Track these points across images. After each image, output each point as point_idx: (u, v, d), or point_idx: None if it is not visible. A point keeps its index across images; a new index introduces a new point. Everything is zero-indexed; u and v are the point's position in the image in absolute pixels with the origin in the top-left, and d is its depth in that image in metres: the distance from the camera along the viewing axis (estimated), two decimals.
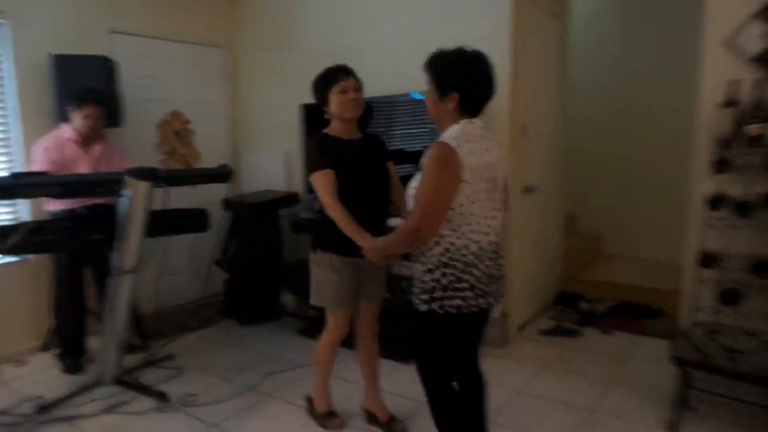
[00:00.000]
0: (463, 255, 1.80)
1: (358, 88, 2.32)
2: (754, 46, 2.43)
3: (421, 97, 3.28)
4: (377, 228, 2.21)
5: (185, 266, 4.47)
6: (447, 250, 1.80)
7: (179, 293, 4.40)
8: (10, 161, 3.48)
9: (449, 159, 1.73)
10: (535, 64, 3.54)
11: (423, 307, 1.84)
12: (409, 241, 1.83)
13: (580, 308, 3.97)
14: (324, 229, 2.26)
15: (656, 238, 4.72)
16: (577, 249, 4.73)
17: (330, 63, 3.95)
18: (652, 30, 4.81)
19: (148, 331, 3.69)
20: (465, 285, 1.79)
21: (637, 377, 2.94)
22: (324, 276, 2.32)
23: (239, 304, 4.04)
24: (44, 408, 2.73)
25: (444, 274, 1.80)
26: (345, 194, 2.20)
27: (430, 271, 1.83)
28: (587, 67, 4.97)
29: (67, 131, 3.13)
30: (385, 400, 2.58)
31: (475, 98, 1.82)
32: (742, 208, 2.36)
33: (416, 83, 3.19)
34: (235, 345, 3.61)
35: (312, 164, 2.25)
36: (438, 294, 1.81)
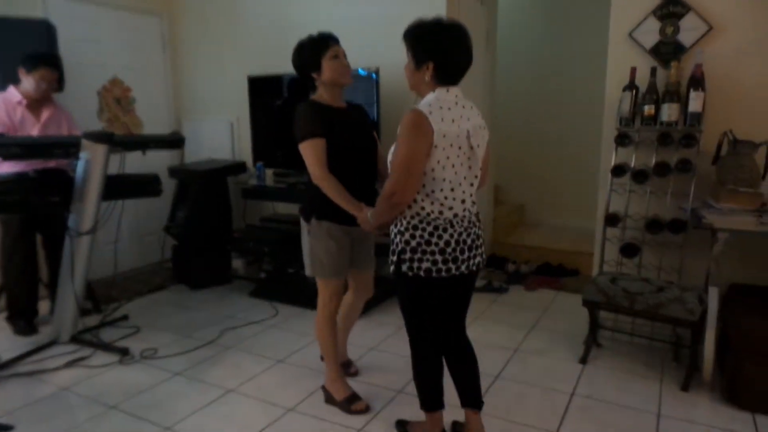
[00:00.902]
0: (434, 219, 1.85)
1: (345, 55, 2.32)
2: (650, 40, 2.87)
3: (365, 74, 3.53)
4: (368, 196, 2.21)
5: (131, 234, 4.50)
6: (417, 213, 1.86)
7: (125, 260, 4.44)
8: None
9: (419, 124, 1.77)
10: None
11: (392, 268, 1.93)
12: (387, 206, 1.87)
13: (507, 269, 4.43)
14: (319, 197, 2.23)
15: (573, 206, 5.28)
16: (504, 216, 5.20)
17: (276, 38, 4.16)
18: (569, 20, 5.32)
19: (99, 296, 3.75)
20: (434, 248, 1.84)
21: (555, 323, 3.41)
22: (321, 245, 2.28)
23: (189, 269, 4.16)
24: (3, 365, 2.79)
25: (413, 236, 1.85)
26: (336, 163, 2.19)
27: (400, 232, 1.89)
28: (511, 52, 5.41)
29: (15, 94, 3.12)
30: (344, 346, 2.73)
31: (449, 67, 1.84)
32: (640, 176, 2.81)
33: (362, 61, 3.46)
34: (188, 307, 3.76)
35: (302, 132, 2.19)
36: (407, 255, 1.86)
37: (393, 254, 1.92)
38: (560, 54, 5.34)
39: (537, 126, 5.54)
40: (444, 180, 1.83)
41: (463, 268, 1.89)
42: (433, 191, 1.84)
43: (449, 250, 1.85)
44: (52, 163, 3.17)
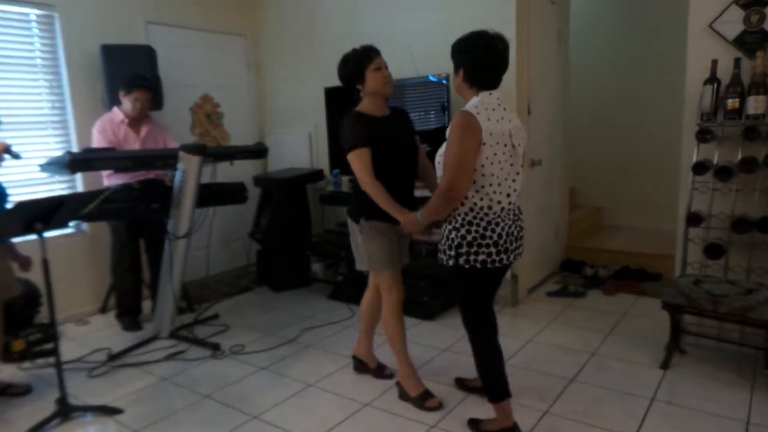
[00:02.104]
0: (486, 214, 2.01)
1: (387, 66, 2.45)
2: (733, 30, 2.74)
3: (435, 80, 3.61)
4: (407, 200, 2.38)
5: (221, 239, 4.84)
6: (471, 209, 2.02)
7: (215, 264, 4.78)
8: (65, 141, 3.85)
9: (470, 124, 1.94)
10: (537, 47, 3.85)
11: (450, 262, 2.06)
12: (444, 202, 2.01)
13: (584, 273, 4.32)
14: (366, 199, 2.36)
15: (654, 207, 5.06)
16: (580, 220, 5.08)
17: (350, 49, 4.32)
18: (645, 14, 5.12)
19: (192, 296, 4.09)
20: (489, 242, 2.00)
21: (635, 328, 3.30)
22: (375, 242, 2.42)
23: (272, 272, 4.42)
24: (114, 356, 3.13)
25: (469, 231, 2.01)
26: (380, 169, 2.32)
27: (456, 228, 2.03)
28: (586, 49, 5.29)
29: (118, 114, 3.49)
30: (373, 349, 2.83)
31: (477, 70, 2.02)
32: (723, 173, 2.68)
33: (431, 67, 3.55)
34: (272, 307, 4.00)
35: (349, 143, 2.33)
36: (464, 250, 2.01)
37: (450, 249, 2.05)
38: (636, 49, 5.17)
39: (614, 125, 5.38)
40: (492, 175, 1.99)
41: (512, 257, 2.10)
42: (482, 186, 2.00)
43: (501, 242, 2.03)
44: (151, 174, 3.52)
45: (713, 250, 2.77)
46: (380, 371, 2.79)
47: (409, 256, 2.71)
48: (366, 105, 2.45)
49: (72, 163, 2.69)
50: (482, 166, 1.98)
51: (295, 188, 4.38)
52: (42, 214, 2.31)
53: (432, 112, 3.72)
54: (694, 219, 2.82)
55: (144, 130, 3.58)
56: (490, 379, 2.17)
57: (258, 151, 3.54)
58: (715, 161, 2.79)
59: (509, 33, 3.49)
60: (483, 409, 2.35)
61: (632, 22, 5.21)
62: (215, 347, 3.21)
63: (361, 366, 2.84)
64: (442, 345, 3.17)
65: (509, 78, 3.52)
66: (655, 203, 5.06)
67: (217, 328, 3.57)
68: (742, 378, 2.62)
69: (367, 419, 2.42)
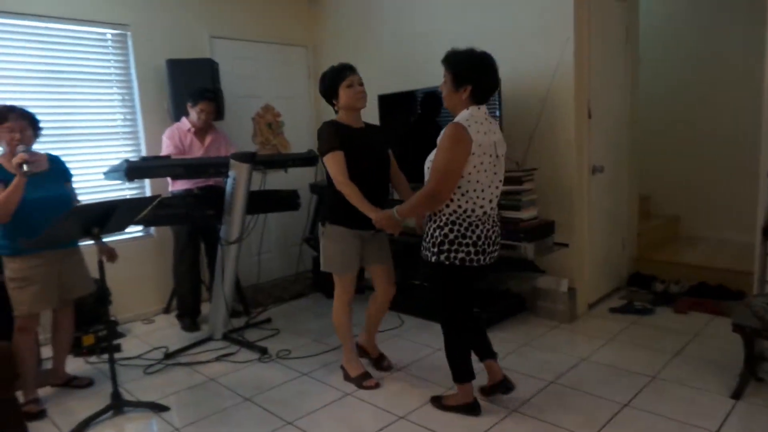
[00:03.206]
0: (468, 216, 2.21)
1: (362, 82, 2.65)
2: None
3: None
4: (381, 202, 2.59)
5: (277, 246, 4.97)
6: (455, 211, 2.22)
7: (273, 269, 4.91)
8: (135, 150, 4.10)
9: (461, 136, 2.13)
10: (601, 45, 3.63)
11: (432, 258, 2.27)
12: (427, 202, 2.23)
13: (653, 288, 4.01)
14: (333, 204, 2.61)
15: (737, 217, 4.61)
16: (653, 230, 4.73)
17: (403, 56, 4.33)
18: (722, 8, 4.71)
19: (248, 300, 4.21)
20: (468, 241, 2.21)
21: (707, 351, 3.00)
22: (333, 246, 2.65)
23: (326, 279, 4.45)
24: (169, 355, 3.28)
25: (451, 230, 2.22)
26: (353, 174, 2.52)
27: (440, 227, 2.24)
28: (659, 47, 4.94)
29: (186, 123, 3.69)
30: (376, 342, 3.04)
31: (484, 90, 2.21)
32: None
33: None
34: (322, 314, 4.03)
35: (325, 147, 2.56)
36: (445, 247, 2.22)
37: (434, 246, 2.26)
38: (713, 46, 4.76)
39: (690, 128, 4.97)
40: (477, 182, 2.20)
41: (487, 259, 2.29)
42: (467, 191, 2.20)
43: (480, 243, 2.23)
44: (211, 181, 3.67)
45: None
46: (380, 361, 2.98)
47: (390, 256, 2.87)
48: (341, 116, 2.68)
49: (129, 171, 2.85)
50: (469, 173, 2.17)
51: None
52: (97, 218, 2.46)
53: None
54: None
55: (208, 139, 3.74)
56: (456, 364, 2.41)
57: (309, 159, 3.58)
58: None
59: (567, 32, 3.35)
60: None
61: (708, 17, 4.81)
62: (263, 351, 3.27)
63: (362, 353, 3.01)
64: None
65: (566, 80, 3.38)
66: (737, 213, 4.61)
67: (268, 332, 3.65)
68: None
69: None
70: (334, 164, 2.54)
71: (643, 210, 4.86)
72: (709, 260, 4.26)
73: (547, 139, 3.53)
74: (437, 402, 2.53)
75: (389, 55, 4.48)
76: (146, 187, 4.12)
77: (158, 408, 2.63)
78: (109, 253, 2.76)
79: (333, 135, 2.56)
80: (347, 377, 2.84)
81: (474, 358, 2.47)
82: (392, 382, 2.83)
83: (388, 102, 4.18)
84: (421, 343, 3.32)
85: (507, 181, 3.26)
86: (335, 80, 2.62)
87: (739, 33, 4.46)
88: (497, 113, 3.47)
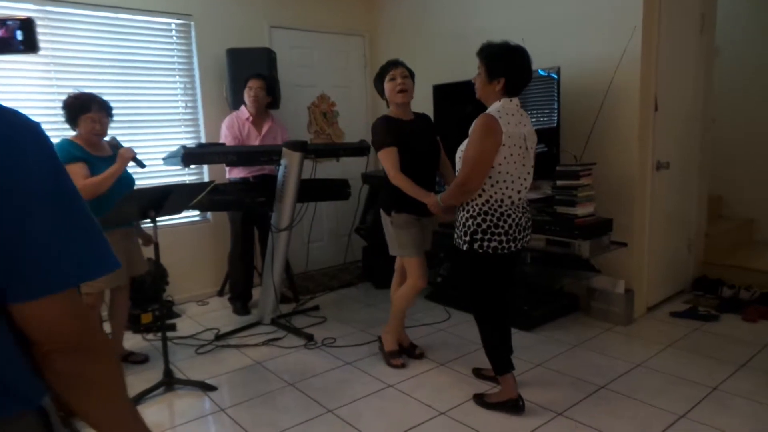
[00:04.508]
0: (500, 206, 2.26)
1: (407, 75, 2.70)
2: None
3: (545, 74, 3.37)
4: (430, 189, 2.67)
5: (329, 234, 5.02)
6: (487, 201, 2.26)
7: (324, 258, 4.96)
8: (195, 137, 4.24)
9: (492, 127, 2.16)
10: (672, 34, 3.41)
11: (465, 246, 2.31)
12: (459, 192, 2.28)
13: (721, 294, 3.76)
14: (395, 195, 2.68)
15: None
16: (723, 232, 4.43)
17: (459, 47, 4.24)
18: None
19: (298, 287, 4.28)
20: (500, 230, 2.25)
21: None
22: (404, 232, 2.73)
23: (375, 269, 4.47)
24: (220, 336, 3.39)
25: (484, 220, 2.26)
26: (406, 164, 2.62)
27: (472, 217, 2.28)
28: (737, 38, 4.58)
29: (244, 112, 3.76)
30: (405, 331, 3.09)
31: (516, 82, 2.23)
32: None
33: (545, 60, 3.32)
34: (370, 304, 4.04)
35: (379, 142, 2.66)
36: (478, 236, 2.27)
37: (465, 235, 2.30)
38: None
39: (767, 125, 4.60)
40: (507, 173, 2.23)
41: (519, 245, 2.32)
42: (497, 182, 2.23)
43: (511, 231, 2.27)
44: (266, 170, 3.74)
45: None
46: (412, 350, 3.04)
47: (431, 244, 3.00)
48: (392, 110, 2.78)
49: (185, 157, 2.94)
50: (499, 164, 2.21)
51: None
52: (153, 201, 2.55)
53: (544, 109, 3.48)
54: None
55: (265, 127, 3.81)
56: (494, 355, 2.41)
57: (361, 149, 3.58)
58: None
59: (635, 20, 3.16)
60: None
61: None
62: (309, 338, 3.32)
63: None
64: (538, 359, 2.95)
65: (632, 70, 3.20)
66: None
67: (315, 320, 3.69)
68: None
69: (438, 428, 2.33)
70: (387, 159, 2.64)
71: (713, 211, 4.56)
72: None
73: (609, 132, 3.36)
74: (480, 400, 2.50)
75: (446, 46, 4.40)
76: (205, 175, 4.26)
77: (207, 387, 2.72)
78: (145, 238, 2.90)
79: (385, 130, 2.66)
80: (381, 348, 3.02)
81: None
82: (436, 377, 2.80)
83: (442, 92, 4.11)
84: (465, 338, 3.27)
85: (563, 175, 3.16)
86: (382, 74, 2.74)
87: None
88: (555, 105, 3.35)
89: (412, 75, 2.77)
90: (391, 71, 2.71)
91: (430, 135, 2.84)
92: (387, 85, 2.71)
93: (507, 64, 2.21)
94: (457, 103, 4.06)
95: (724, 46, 4.42)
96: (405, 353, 3.02)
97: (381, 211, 2.84)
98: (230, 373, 2.93)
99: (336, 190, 3.70)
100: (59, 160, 0.73)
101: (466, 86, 3.94)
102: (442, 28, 4.42)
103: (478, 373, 2.77)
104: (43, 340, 0.71)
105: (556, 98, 3.28)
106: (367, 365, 2.96)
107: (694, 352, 2.97)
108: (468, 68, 3.97)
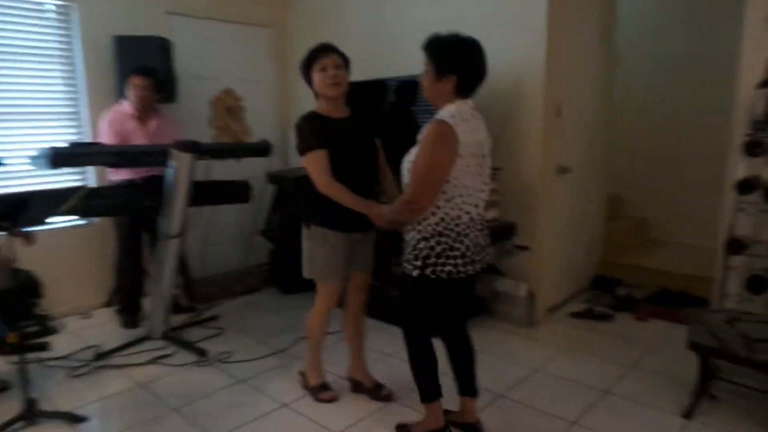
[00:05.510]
0: (456, 225, 1.96)
1: (341, 64, 2.28)
2: None
3: None
4: (369, 198, 2.28)
5: (232, 236, 4.74)
6: (442, 219, 1.95)
7: (227, 261, 4.69)
8: (78, 133, 3.83)
9: (447, 135, 1.86)
10: (575, 41, 3.46)
11: (415, 273, 1.99)
12: (407, 210, 1.96)
13: (616, 293, 3.90)
14: (318, 205, 2.29)
15: (704, 224, 4.50)
16: (621, 233, 4.62)
17: (375, 43, 4.10)
18: (697, 8, 4.59)
19: (197, 294, 4.00)
20: (457, 253, 1.95)
21: (663, 364, 2.89)
22: (318, 250, 2.35)
23: (282, 273, 4.27)
24: (100, 355, 3.07)
25: (438, 242, 1.94)
26: (337, 170, 2.22)
27: (425, 239, 1.96)
28: (636, 47, 4.80)
29: (126, 107, 3.40)
30: (368, 368, 2.67)
31: (470, 80, 1.94)
32: None
33: None
34: (275, 311, 3.84)
35: (303, 145, 2.25)
36: (431, 260, 1.95)
37: (417, 259, 1.98)
38: (692, 49, 4.63)
39: (662, 129, 4.85)
40: (464, 186, 1.94)
41: (477, 267, 2.03)
42: (453, 197, 1.94)
43: (469, 253, 1.98)
44: (156, 171, 3.42)
45: (756, 283, 2.35)
46: (377, 391, 2.60)
47: (373, 261, 2.57)
48: (321, 106, 2.36)
49: (54, 158, 2.60)
50: (455, 177, 1.92)
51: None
52: (7, 211, 2.23)
53: None
54: (734, 245, 2.41)
55: (153, 124, 3.47)
56: (422, 380, 2.16)
57: (260, 149, 3.37)
58: (764, 178, 2.36)
59: (538, 25, 3.16)
60: None
61: (683, 16, 4.69)
62: (202, 353, 3.08)
63: (357, 386, 2.65)
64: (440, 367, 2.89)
65: (536, 75, 3.21)
66: (706, 219, 4.47)
67: (212, 331, 3.45)
68: None
69: None
70: (314, 165, 2.23)
71: (613, 211, 4.75)
72: (674, 265, 4.16)
73: (514, 137, 3.36)
74: (404, 430, 2.27)
75: (360, 42, 4.24)
76: (90, 175, 3.86)
77: (74, 419, 2.43)
78: (24, 238, 2.54)
79: (311, 131, 2.25)
80: (305, 385, 2.64)
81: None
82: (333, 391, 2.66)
83: (356, 90, 3.95)
84: (370, 348, 3.13)
85: None
86: (308, 63, 2.31)
87: (719, 36, 4.31)
88: None
89: (347, 63, 2.34)
90: (321, 59, 2.26)
91: (367, 136, 2.41)
92: (316, 76, 2.27)
93: (458, 58, 1.91)
94: (376, 101, 3.93)
95: (624, 53, 4.58)
96: (367, 393, 2.59)
97: (302, 224, 2.46)
98: (107, 399, 2.65)
99: (236, 192, 3.45)
100: None
101: (382, 85, 3.86)
102: (356, 23, 4.26)
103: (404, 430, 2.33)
104: None
105: None
106: (263, 382, 2.78)
107: (589, 354, 3.04)
108: (384, 66, 3.88)
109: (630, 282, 3.99)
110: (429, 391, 2.14)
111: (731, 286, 2.52)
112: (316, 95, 2.35)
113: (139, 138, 3.41)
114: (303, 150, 2.26)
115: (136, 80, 3.30)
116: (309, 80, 2.34)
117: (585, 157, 3.84)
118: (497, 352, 3.06)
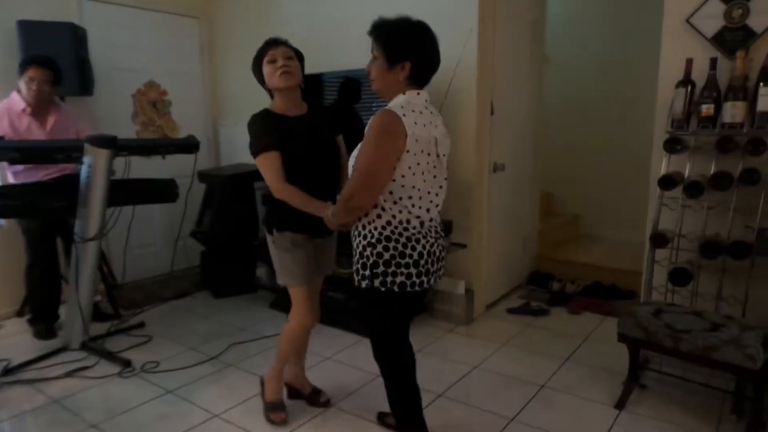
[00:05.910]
0: (405, 229, 1.77)
1: (291, 56, 2.15)
2: (712, 26, 2.39)
3: None
4: (332, 200, 2.09)
5: (161, 238, 4.49)
6: (389, 223, 1.77)
7: (155, 265, 4.43)
8: None
9: (393, 127, 1.68)
10: (506, 40, 3.50)
11: (364, 283, 1.82)
12: (345, 209, 1.79)
13: (550, 288, 3.99)
14: (279, 209, 2.13)
15: (633, 218, 4.70)
16: (555, 229, 4.75)
17: (308, 39, 3.98)
18: (622, 11, 4.79)
19: (123, 300, 3.76)
20: (408, 261, 1.77)
21: (595, 356, 2.97)
22: (288, 255, 2.19)
23: (214, 276, 4.08)
24: (9, 371, 2.79)
25: (386, 248, 1.76)
26: (293, 173, 2.08)
27: (371, 244, 1.78)
28: (565, 48, 4.95)
29: (19, 102, 3.04)
30: (306, 374, 2.56)
31: (425, 68, 1.78)
32: (694, 189, 2.34)
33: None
34: (206, 316, 3.66)
35: (255, 146, 2.08)
36: (380, 270, 1.77)
37: (364, 269, 1.82)
38: (615, 48, 4.83)
39: (592, 127, 5.03)
40: (413, 187, 1.76)
41: (432, 280, 1.85)
42: (401, 198, 1.76)
43: (422, 262, 1.79)
44: (69, 170, 3.15)
45: (679, 276, 2.43)
46: (315, 397, 2.50)
47: (335, 265, 2.49)
48: (276, 103, 2.19)
49: None
50: (403, 176, 1.74)
51: (240, 186, 4.03)
52: None
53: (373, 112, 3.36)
54: (659, 239, 2.48)
55: (51, 120, 3.13)
56: (405, 418, 1.97)
57: (187, 146, 3.18)
58: (686, 174, 2.45)
59: (470, 21, 3.16)
60: None
61: (610, 20, 4.88)
62: (126, 363, 2.87)
63: (294, 393, 2.53)
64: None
65: (469, 73, 3.21)
66: (634, 213, 4.68)
67: (138, 339, 3.23)
68: (707, 424, 2.29)
69: None
70: (267, 168, 2.07)
71: (546, 208, 4.88)
72: (605, 260, 4.31)
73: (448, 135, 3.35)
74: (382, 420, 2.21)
75: (294, 34, 4.09)
76: None
77: None
78: None
79: (263, 131, 2.09)
80: (261, 395, 2.45)
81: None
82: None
83: None
84: (318, 354, 3.06)
85: None
86: (259, 57, 2.16)
87: (643, 37, 4.51)
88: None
89: (299, 57, 2.20)
90: (270, 52, 2.12)
91: (327, 133, 2.25)
92: (266, 69, 2.12)
93: (412, 44, 1.74)
94: (314, 97, 3.79)
95: (553, 54, 4.70)
96: (306, 399, 2.50)
97: (264, 229, 2.28)
98: (16, 418, 2.41)
99: (160, 191, 3.24)
100: None
101: (318, 80, 3.74)
102: (289, 15, 4.13)
103: (383, 420, 2.29)
104: None
105: None
106: (191, 392, 2.62)
107: (525, 350, 3.07)
108: (321, 60, 3.76)
109: (564, 276, 4.10)
110: (413, 427, 1.97)
111: (657, 279, 2.60)
112: (271, 94, 2.20)
113: (35, 135, 3.06)
114: (255, 151, 2.08)
115: (31, 72, 2.96)
116: (261, 78, 2.17)
117: (518, 155, 3.90)
118: (436, 352, 3.04)
